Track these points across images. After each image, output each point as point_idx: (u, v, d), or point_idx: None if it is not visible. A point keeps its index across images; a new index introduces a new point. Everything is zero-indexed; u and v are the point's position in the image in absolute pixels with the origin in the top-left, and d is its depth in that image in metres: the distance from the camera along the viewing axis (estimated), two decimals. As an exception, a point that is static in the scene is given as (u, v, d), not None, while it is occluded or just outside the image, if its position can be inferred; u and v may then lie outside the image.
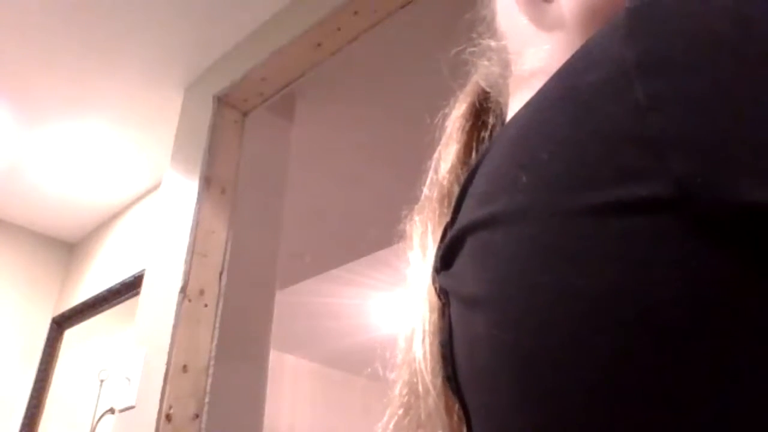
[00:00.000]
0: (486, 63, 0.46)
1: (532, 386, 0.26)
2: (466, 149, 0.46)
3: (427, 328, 0.37)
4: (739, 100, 0.22)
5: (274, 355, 1.86)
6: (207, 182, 1.85)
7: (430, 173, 0.46)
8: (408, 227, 0.44)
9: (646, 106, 0.23)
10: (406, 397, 0.37)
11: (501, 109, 0.46)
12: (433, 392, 0.35)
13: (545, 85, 0.30)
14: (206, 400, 1.57)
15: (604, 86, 0.25)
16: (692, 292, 0.22)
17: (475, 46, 0.47)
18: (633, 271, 0.23)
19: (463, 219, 0.33)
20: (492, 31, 0.46)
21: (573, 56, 0.29)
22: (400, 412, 0.38)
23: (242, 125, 2.01)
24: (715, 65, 0.23)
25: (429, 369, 0.35)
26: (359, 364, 4.59)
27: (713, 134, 0.22)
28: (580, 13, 0.38)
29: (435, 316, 0.37)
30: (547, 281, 0.26)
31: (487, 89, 0.47)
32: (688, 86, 0.23)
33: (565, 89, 0.28)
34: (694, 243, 0.22)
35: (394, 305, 3.88)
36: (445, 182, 0.44)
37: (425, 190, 0.46)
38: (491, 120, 0.47)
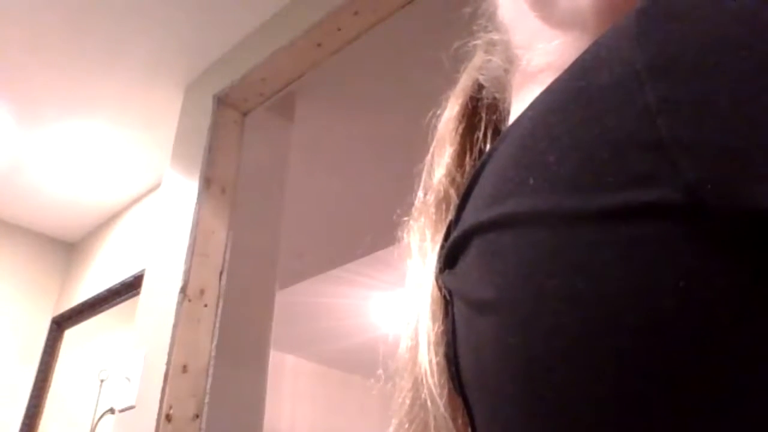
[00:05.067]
0: (486, 57, 0.44)
1: (538, 391, 0.26)
2: (461, 151, 0.45)
3: (432, 338, 0.36)
4: (753, 105, 0.21)
5: (274, 355, 1.86)
6: (207, 182, 1.85)
7: (423, 177, 0.45)
8: (405, 234, 0.43)
9: (657, 110, 0.23)
10: (411, 407, 0.37)
11: (499, 106, 0.44)
12: (439, 402, 0.34)
13: (553, 84, 0.30)
14: (206, 400, 1.57)
15: (614, 88, 0.25)
16: (699, 300, 0.22)
17: (477, 39, 0.45)
18: (639, 277, 0.23)
19: (468, 220, 0.32)
20: (494, 24, 0.44)
21: (582, 56, 0.28)
22: (405, 420, 0.37)
23: (242, 125, 2.01)
24: (729, 69, 0.22)
25: (435, 379, 0.35)
26: (359, 364, 4.59)
27: (726, 139, 0.21)
28: (595, 7, 0.36)
29: (438, 322, 0.36)
30: (554, 286, 0.25)
31: (485, 84, 0.45)
32: (701, 90, 0.22)
33: (573, 90, 0.27)
34: (703, 250, 0.21)
35: (394, 305, 3.88)
36: (441, 186, 0.43)
37: (420, 194, 0.44)
38: (485, 119, 0.46)
